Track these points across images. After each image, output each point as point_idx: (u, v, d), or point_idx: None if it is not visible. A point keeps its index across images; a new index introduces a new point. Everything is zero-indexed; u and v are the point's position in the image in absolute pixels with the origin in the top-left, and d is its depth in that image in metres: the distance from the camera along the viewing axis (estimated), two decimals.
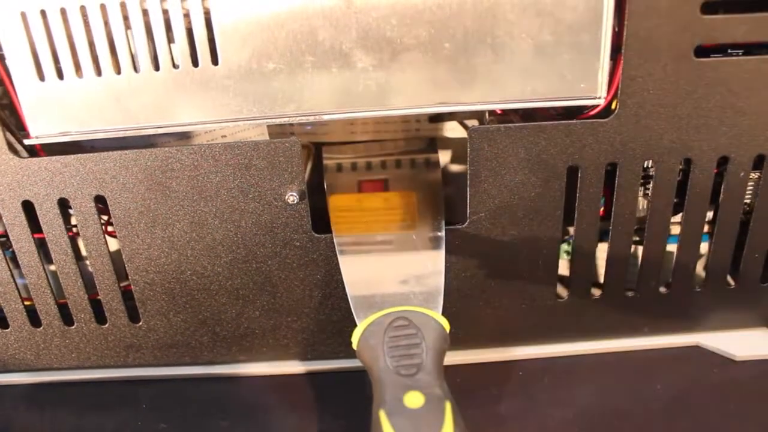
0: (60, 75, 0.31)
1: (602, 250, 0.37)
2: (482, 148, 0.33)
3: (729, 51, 0.32)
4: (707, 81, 0.32)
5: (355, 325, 0.31)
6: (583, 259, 0.37)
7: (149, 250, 0.35)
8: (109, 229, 0.36)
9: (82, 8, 0.30)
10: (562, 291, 0.38)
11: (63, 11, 0.30)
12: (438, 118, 0.37)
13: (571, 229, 0.36)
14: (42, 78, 0.31)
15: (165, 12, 0.30)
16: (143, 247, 0.35)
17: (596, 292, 0.38)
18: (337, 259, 0.35)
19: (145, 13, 0.30)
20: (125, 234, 0.35)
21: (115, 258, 0.36)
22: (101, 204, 0.34)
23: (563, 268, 0.38)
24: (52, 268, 0.36)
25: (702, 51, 0.32)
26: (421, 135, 0.38)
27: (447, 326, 0.30)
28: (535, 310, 0.38)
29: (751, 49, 0.32)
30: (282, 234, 0.35)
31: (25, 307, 0.37)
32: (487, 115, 0.35)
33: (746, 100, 0.33)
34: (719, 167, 0.35)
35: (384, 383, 0.28)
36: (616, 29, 0.31)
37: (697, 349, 0.39)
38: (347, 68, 0.31)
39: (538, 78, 0.31)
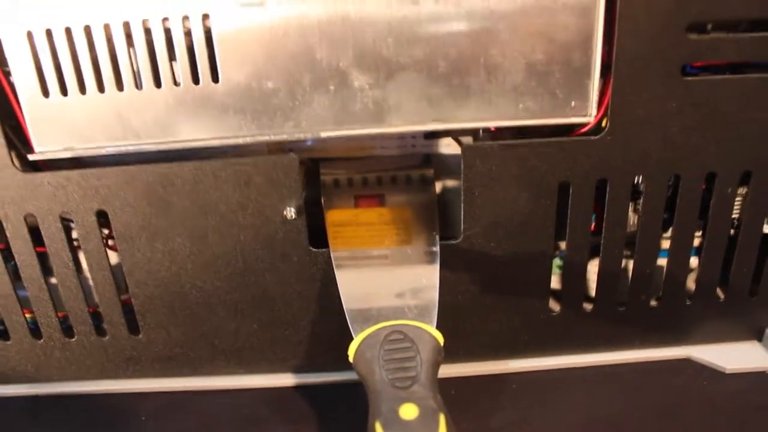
0: (64, 91, 0.31)
1: (594, 265, 0.37)
2: (476, 164, 0.33)
3: (715, 70, 0.33)
4: (694, 99, 0.32)
5: (352, 339, 0.31)
6: (574, 274, 0.37)
7: (149, 263, 0.35)
8: (110, 242, 0.36)
9: (86, 27, 0.30)
10: (554, 305, 0.38)
11: (68, 30, 0.30)
12: (433, 135, 0.37)
13: (563, 244, 0.36)
14: (46, 94, 0.31)
15: (167, 31, 0.30)
16: (143, 261, 0.35)
17: (588, 306, 0.38)
18: (333, 273, 0.35)
19: (147, 31, 0.30)
20: (126, 248, 0.35)
21: (115, 271, 0.36)
22: (102, 218, 0.34)
23: (555, 282, 0.38)
24: (53, 280, 0.36)
25: (689, 70, 0.32)
26: (417, 151, 0.38)
27: (441, 339, 0.30)
28: (528, 324, 0.38)
29: (736, 68, 0.33)
30: (280, 249, 0.35)
31: (26, 319, 0.37)
32: (480, 132, 0.35)
33: (732, 117, 0.33)
34: (707, 183, 0.35)
35: (380, 395, 0.28)
36: (606, 49, 0.31)
37: (688, 362, 0.39)
38: (344, 87, 0.31)
39: (530, 96, 0.31)
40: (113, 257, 0.36)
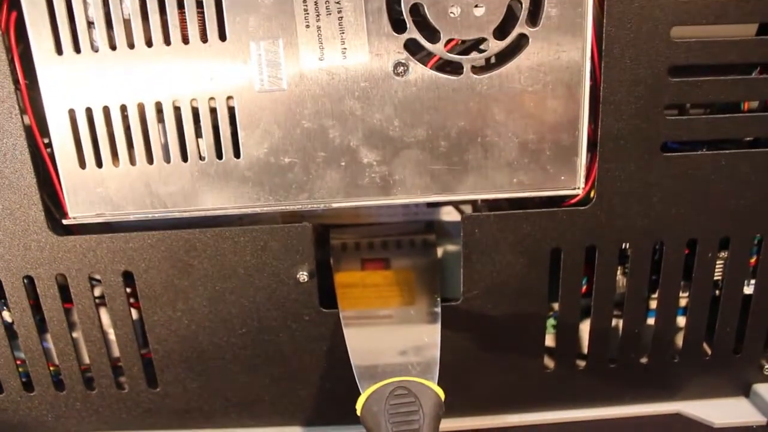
0: (99, 163, 0.33)
1: (586, 324, 0.39)
2: (474, 232, 0.36)
3: (693, 145, 0.35)
4: (674, 173, 0.35)
5: (359, 393, 0.32)
6: (567, 333, 0.39)
7: (170, 321, 0.37)
8: (132, 300, 0.38)
9: (122, 106, 0.33)
10: (549, 362, 0.40)
11: (105, 109, 0.33)
12: (435, 203, 0.40)
13: (557, 305, 0.38)
14: (83, 166, 0.33)
15: (194, 110, 0.33)
16: (164, 319, 0.37)
17: (581, 363, 0.40)
18: (342, 331, 0.36)
19: (176, 110, 0.33)
20: (149, 306, 0.37)
21: (137, 327, 0.38)
22: (128, 278, 0.36)
23: (550, 340, 0.40)
24: (75, 334, 0.38)
25: (669, 145, 0.35)
26: (420, 218, 0.41)
27: (442, 395, 0.32)
28: (524, 380, 0.40)
29: (712, 143, 0.35)
30: (293, 309, 0.37)
31: (50, 371, 0.39)
32: (479, 202, 0.37)
33: (710, 189, 0.35)
34: (690, 248, 0.37)
35: None
36: (592, 127, 0.34)
37: (678, 417, 0.40)
38: (354, 163, 0.34)
39: (523, 171, 0.34)
40: (135, 314, 0.38)
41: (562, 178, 0.34)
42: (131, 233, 0.36)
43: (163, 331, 0.38)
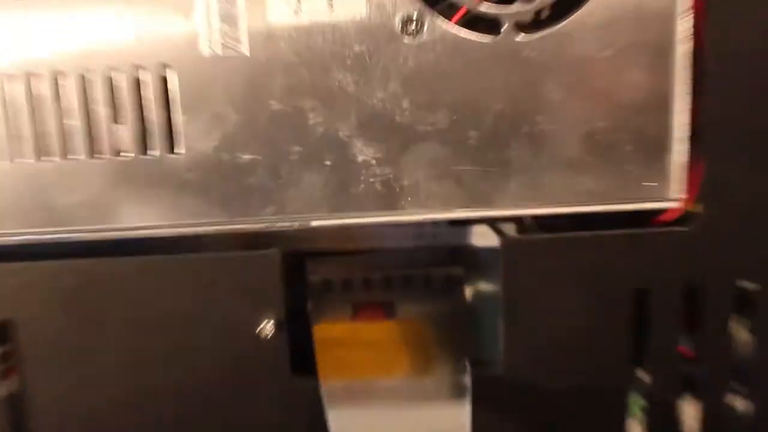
0: None
1: (689, 404, 0.40)
2: (521, 265, 0.37)
3: None
4: None
5: None
6: (661, 418, 0.39)
7: (65, 395, 0.38)
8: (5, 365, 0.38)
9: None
10: None
11: None
12: (462, 222, 0.41)
13: (644, 375, 0.39)
14: None
15: (111, 83, 0.34)
16: (55, 391, 0.38)
17: None
18: (325, 413, 0.37)
19: (83, 82, 0.34)
20: (32, 373, 0.37)
21: (13, 403, 0.38)
22: (2, 332, 0.37)
23: (635, 429, 0.40)
24: None
25: None
26: (439, 243, 0.42)
27: None
28: None
29: None
30: (251, 378, 0.38)
31: None
32: (527, 219, 0.38)
33: None
34: None
35: None
36: (696, 110, 0.35)
37: None
38: (344, 162, 0.35)
39: (590, 174, 0.35)
40: (10, 386, 0.38)
41: (649, 184, 0.35)
42: (12, 264, 0.36)
43: (52, 409, 0.38)
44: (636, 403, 0.40)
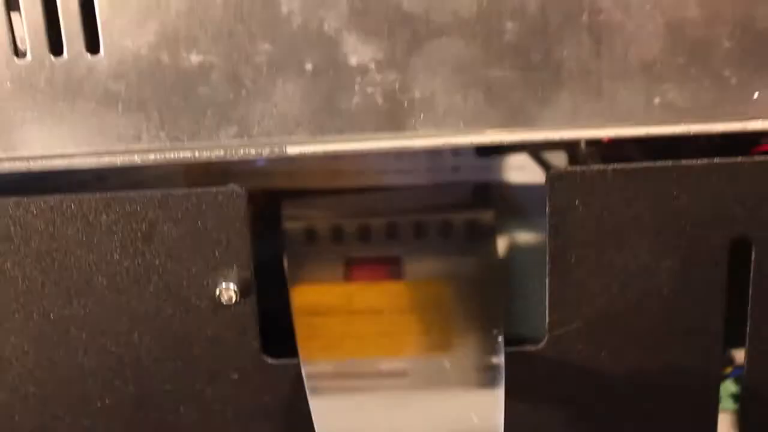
0: None
1: None
2: (573, 205, 0.35)
3: None
4: None
5: None
6: (761, 410, 0.38)
7: None
8: None
9: None
10: None
11: None
12: (494, 149, 0.39)
13: (740, 354, 0.38)
14: None
15: None
16: None
17: None
18: (306, 402, 0.36)
19: None
20: None
21: None
22: None
23: (725, 423, 0.39)
24: None
25: None
26: (462, 179, 0.41)
27: None
28: None
29: None
30: (208, 357, 0.37)
31: None
32: (583, 146, 0.37)
33: None
34: None
35: None
36: None
37: None
38: (332, 65, 0.33)
39: (674, 82, 0.34)
40: None
41: (756, 95, 0.34)
42: None
43: None
44: (729, 391, 0.40)
